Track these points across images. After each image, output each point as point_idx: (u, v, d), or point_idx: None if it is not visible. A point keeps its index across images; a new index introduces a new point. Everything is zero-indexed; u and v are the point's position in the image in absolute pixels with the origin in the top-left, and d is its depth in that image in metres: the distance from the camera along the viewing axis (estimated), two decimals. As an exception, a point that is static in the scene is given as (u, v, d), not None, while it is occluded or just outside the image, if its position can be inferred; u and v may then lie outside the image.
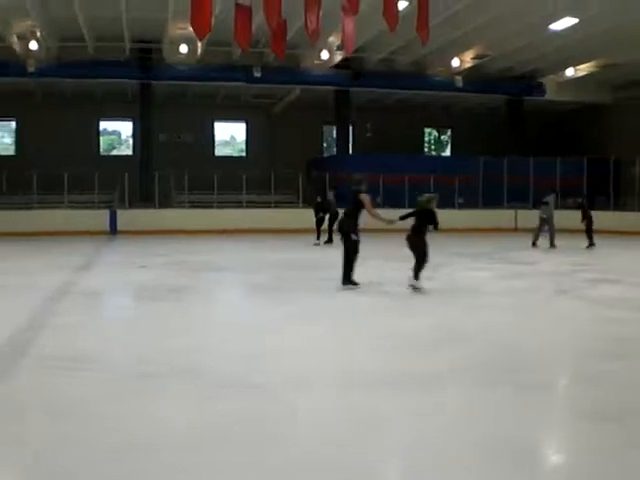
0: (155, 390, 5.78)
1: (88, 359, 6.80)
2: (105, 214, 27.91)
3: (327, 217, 21.74)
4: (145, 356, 6.98)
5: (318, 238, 21.78)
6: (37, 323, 8.95)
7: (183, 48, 27.41)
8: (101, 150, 37.45)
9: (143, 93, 31.51)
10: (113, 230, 27.40)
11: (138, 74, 29.86)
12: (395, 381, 6.02)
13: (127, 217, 27.81)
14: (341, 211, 12.73)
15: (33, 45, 26.26)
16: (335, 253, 12.90)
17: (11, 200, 29.28)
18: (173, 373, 6.27)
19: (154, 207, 29.15)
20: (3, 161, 34.40)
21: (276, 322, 8.97)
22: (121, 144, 38.66)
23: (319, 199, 22.75)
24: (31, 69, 28.00)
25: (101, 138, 37.64)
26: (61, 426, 4.88)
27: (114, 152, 38.19)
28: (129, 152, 37.21)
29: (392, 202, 29.00)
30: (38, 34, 25.95)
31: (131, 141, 37.63)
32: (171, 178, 30.17)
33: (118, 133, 38.80)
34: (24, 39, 26.23)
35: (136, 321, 9.60)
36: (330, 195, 22.47)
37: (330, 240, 20.95)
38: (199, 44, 26.30)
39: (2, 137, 37.91)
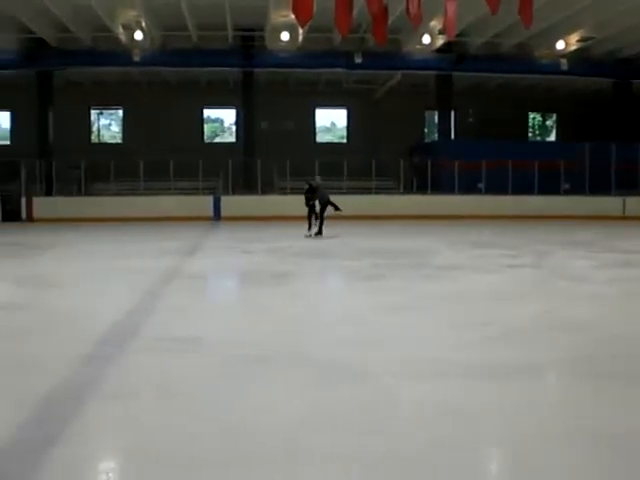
0: (260, 374, 5.81)
1: (195, 342, 6.90)
2: (209, 200, 28.37)
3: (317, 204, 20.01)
4: (250, 340, 7.04)
5: (309, 229, 20.00)
6: (147, 306, 9.19)
7: (284, 35, 27.50)
8: (205, 137, 38.05)
9: (245, 81, 31.84)
10: (217, 216, 27.88)
11: (240, 62, 30.17)
12: (497, 371, 5.90)
13: (230, 203, 28.23)
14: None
15: (138, 35, 26.86)
16: (438, 241, 12.74)
17: (119, 187, 30.14)
18: (278, 357, 6.31)
19: (257, 193, 29.48)
20: (111, 149, 35.52)
21: (378, 309, 8.90)
22: (224, 131, 39.18)
23: (309, 184, 20.47)
24: (136, 58, 28.65)
25: (205, 126, 38.23)
26: (168, 407, 4.97)
27: (217, 139, 38.75)
28: (232, 139, 37.66)
29: (495, 189, 28.66)
30: (143, 24, 26.54)
31: (234, 128, 38.11)
32: (273, 165, 30.41)
33: (221, 120, 39.35)
34: (129, 29, 26.87)
35: (241, 305, 9.73)
36: (318, 179, 20.85)
37: (320, 232, 19.63)
38: (300, 31, 26.36)
39: (110, 125, 38.95)
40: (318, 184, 20.30)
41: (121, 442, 4.43)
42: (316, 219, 19.82)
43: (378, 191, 30.90)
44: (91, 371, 5.97)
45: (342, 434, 4.42)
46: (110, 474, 4.03)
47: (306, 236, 19.64)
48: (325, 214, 19.84)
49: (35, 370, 5.91)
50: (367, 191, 30.65)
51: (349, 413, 4.83)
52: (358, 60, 29.69)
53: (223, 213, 27.93)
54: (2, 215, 28.12)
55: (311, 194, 20.01)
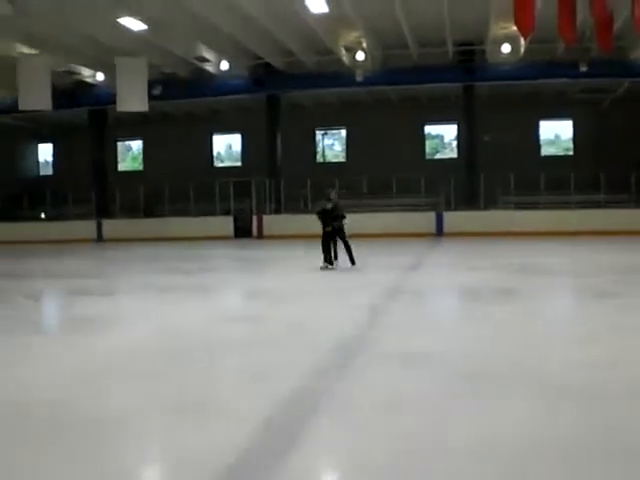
0: (486, 393, 5.61)
1: (419, 357, 6.81)
2: (431, 216, 28.33)
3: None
4: (476, 357, 6.84)
5: (328, 259, 15.79)
6: (372, 320, 9.25)
7: (505, 47, 27.02)
8: (426, 154, 38.08)
9: (466, 95, 31.57)
10: (439, 232, 27.78)
11: (461, 76, 29.98)
12: None
13: (453, 219, 28.05)
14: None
15: (360, 55, 27.42)
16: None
17: (343, 204, 30.68)
18: (505, 377, 6.07)
19: (479, 209, 29.06)
20: (335, 167, 36.40)
21: (615, 328, 8.41)
22: (445, 147, 39.04)
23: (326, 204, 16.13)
24: (359, 79, 29.21)
25: (426, 142, 38.27)
26: (397, 423, 4.89)
27: (438, 155, 38.66)
28: (453, 155, 37.44)
29: None
30: (364, 44, 27.06)
31: (454, 144, 37.88)
32: (496, 179, 29.85)
33: (441, 137, 39.25)
34: (351, 50, 27.48)
35: (465, 322, 9.54)
36: (333, 194, 16.28)
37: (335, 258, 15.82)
38: (522, 42, 25.81)
39: (333, 145, 39.96)
40: (336, 201, 16.10)
41: (345, 456, 4.40)
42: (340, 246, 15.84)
43: (607, 205, 29.49)
44: (320, 384, 6.04)
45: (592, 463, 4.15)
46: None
47: (322, 268, 15.57)
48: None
49: (265, 380, 6.06)
50: (595, 205, 29.34)
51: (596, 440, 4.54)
52: (583, 69, 28.54)
53: (446, 229, 27.79)
54: (235, 232, 29.59)
55: (328, 215, 15.84)
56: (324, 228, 15.71)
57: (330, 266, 15.47)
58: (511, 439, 4.47)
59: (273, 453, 4.33)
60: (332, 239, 15.70)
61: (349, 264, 15.27)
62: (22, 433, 4.81)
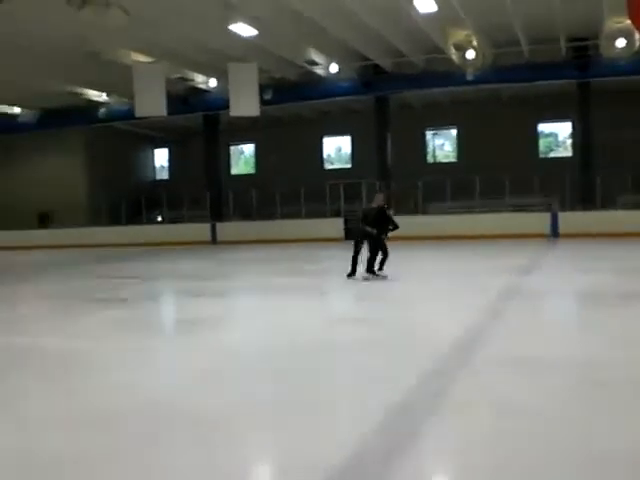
0: (607, 400, 5.43)
1: (536, 361, 6.65)
2: (546, 217, 27.66)
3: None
4: (595, 363, 6.64)
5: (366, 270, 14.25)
6: (487, 323, 9.10)
7: (620, 42, 26.16)
8: (540, 152, 37.25)
9: (580, 92, 30.69)
10: (554, 233, 27.09)
11: (574, 73, 29.13)
12: None
13: (569, 219, 27.29)
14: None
15: (470, 54, 27.07)
16: None
17: (455, 205, 30.52)
18: (626, 383, 5.87)
19: (596, 209, 28.22)
20: (446, 168, 36.10)
21: None
22: (558, 146, 38.09)
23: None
24: (469, 77, 28.82)
25: (539, 140, 37.45)
26: (510, 426, 4.76)
27: (552, 154, 37.73)
28: (567, 154, 36.49)
29: None
30: (474, 42, 26.70)
31: (569, 142, 36.93)
32: (613, 179, 28.90)
33: (555, 135, 38.30)
34: (461, 49, 27.17)
35: (583, 326, 9.27)
36: (380, 198, 14.47)
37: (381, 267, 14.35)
38: (637, 36, 24.98)
39: (443, 145, 39.60)
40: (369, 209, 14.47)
41: (457, 458, 4.35)
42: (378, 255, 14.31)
43: None
44: (435, 386, 6.00)
45: None
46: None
47: (365, 278, 14.15)
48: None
49: (379, 382, 6.06)
50: None
51: None
52: None
53: (561, 230, 27.06)
54: (345, 233, 29.63)
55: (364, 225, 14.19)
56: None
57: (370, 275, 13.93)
58: (626, 455, 4.30)
59: (385, 454, 4.34)
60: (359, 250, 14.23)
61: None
62: (136, 432, 4.95)
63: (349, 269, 14.22)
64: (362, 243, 14.12)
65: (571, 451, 4.30)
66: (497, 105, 35.01)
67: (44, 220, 39.78)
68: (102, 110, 34.67)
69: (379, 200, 14.20)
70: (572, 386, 5.84)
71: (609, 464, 4.07)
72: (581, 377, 6.12)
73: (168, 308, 13.24)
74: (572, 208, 28.85)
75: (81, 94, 33.12)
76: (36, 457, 4.48)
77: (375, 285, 13.86)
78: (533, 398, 5.47)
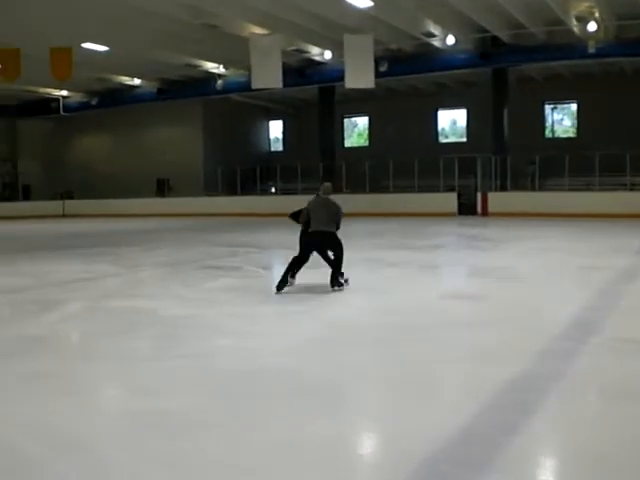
0: None
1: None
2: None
3: None
4: None
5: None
6: (604, 304, 8.86)
7: None
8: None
9: None
10: (676, 213, 26.02)
11: None
12: None
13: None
14: None
15: (592, 26, 26.16)
16: None
17: (573, 182, 29.72)
18: None
19: None
20: (565, 143, 35.10)
21: None
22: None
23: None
24: (591, 50, 27.86)
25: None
26: (624, 411, 4.64)
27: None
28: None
29: None
30: (596, 14, 25.77)
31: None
32: None
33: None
34: (583, 20, 26.28)
35: None
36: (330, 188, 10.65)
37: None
38: None
39: (562, 120, 38.50)
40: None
41: (567, 441, 4.29)
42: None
43: None
44: (547, 366, 5.89)
45: None
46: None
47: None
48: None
49: (489, 360, 6.01)
50: None
51: None
52: None
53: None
54: (458, 208, 29.35)
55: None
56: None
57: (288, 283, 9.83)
58: None
59: (492, 435, 4.31)
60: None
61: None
62: (250, 398, 5.06)
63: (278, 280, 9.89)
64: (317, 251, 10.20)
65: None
66: (619, 79, 33.72)
67: (162, 189, 40.94)
68: (219, 82, 35.24)
69: (328, 190, 10.57)
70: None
71: None
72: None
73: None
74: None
75: (199, 66, 33.82)
76: (166, 419, 4.66)
77: (489, 262, 13.72)
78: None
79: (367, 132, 43.01)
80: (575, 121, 37.39)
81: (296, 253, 9.88)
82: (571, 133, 37.55)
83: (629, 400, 4.91)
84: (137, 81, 37.22)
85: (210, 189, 38.46)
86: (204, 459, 3.92)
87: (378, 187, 33.93)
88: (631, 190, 28.17)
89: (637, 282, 10.93)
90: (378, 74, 28.24)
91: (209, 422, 4.58)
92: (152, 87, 37.21)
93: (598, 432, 4.32)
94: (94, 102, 39.43)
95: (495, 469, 3.81)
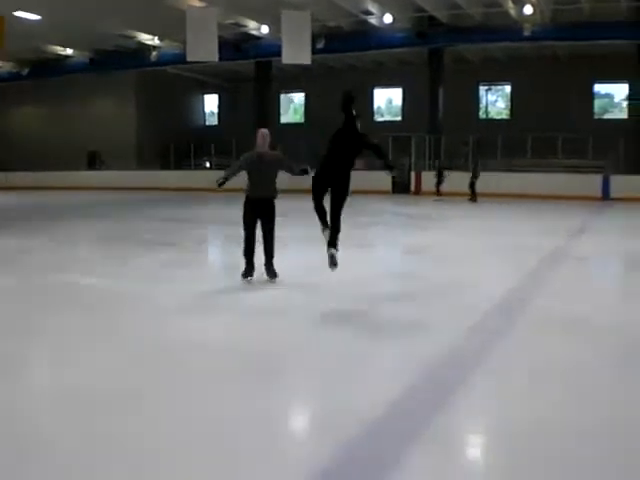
0: None
1: (580, 324, 6.61)
2: (598, 179, 27.12)
3: None
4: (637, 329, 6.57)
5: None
6: (534, 284, 9.00)
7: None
8: (594, 114, 36.42)
9: (641, 53, 29.88)
10: (606, 196, 26.56)
11: (635, 34, 28.29)
12: None
13: (621, 183, 26.68)
14: None
15: (528, 9, 26.51)
16: None
17: (505, 163, 30.09)
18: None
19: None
20: (498, 125, 35.50)
21: None
22: (614, 107, 37.20)
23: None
24: (526, 33, 28.22)
25: (595, 101, 36.58)
26: (541, 391, 4.74)
27: (607, 116, 36.85)
28: (622, 116, 35.64)
29: None
30: (533, -1, 26.16)
31: (624, 104, 36.03)
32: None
33: (611, 96, 37.35)
34: (519, 3, 26.60)
35: (633, 291, 9.12)
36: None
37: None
38: None
39: (496, 101, 38.94)
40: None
41: (489, 419, 4.39)
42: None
43: None
44: (476, 343, 6.00)
45: None
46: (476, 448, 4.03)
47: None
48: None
49: (420, 336, 6.10)
50: None
51: None
52: None
53: (613, 193, 26.51)
54: (392, 187, 29.47)
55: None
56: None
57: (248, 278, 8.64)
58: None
59: (420, 410, 4.39)
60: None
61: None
62: (185, 373, 5.01)
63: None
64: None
65: (603, 417, 4.29)
66: (553, 63, 34.25)
67: (93, 161, 40.23)
68: (154, 54, 34.65)
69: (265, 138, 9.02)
70: (612, 352, 5.81)
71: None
72: (623, 344, 6.05)
73: (215, 251, 13.40)
74: (625, 172, 28.24)
75: (133, 37, 33.18)
76: (98, 394, 4.60)
77: (423, 240, 13.84)
78: (571, 362, 5.45)
79: (303, 109, 42.87)
80: (509, 103, 37.87)
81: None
82: (505, 115, 38.03)
83: (554, 378, 5.03)
84: (70, 51, 36.31)
85: (143, 163, 37.92)
86: (132, 435, 3.90)
87: (314, 165, 33.81)
88: (563, 173, 28.59)
89: (567, 263, 11.12)
90: (315, 51, 28.13)
91: (140, 396, 4.54)
92: (85, 57, 36.36)
93: (522, 409, 4.40)
94: (25, 72, 38.41)
95: (422, 442, 3.88)
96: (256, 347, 5.76)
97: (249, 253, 8.58)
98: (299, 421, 4.52)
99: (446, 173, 26.57)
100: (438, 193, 26.24)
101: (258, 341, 5.95)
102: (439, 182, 26.45)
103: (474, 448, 4.05)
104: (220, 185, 8.50)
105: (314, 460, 3.63)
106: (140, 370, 5.16)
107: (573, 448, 3.80)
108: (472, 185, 24.77)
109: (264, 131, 8.93)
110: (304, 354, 5.67)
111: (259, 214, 8.55)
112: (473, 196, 24.66)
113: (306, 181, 8.09)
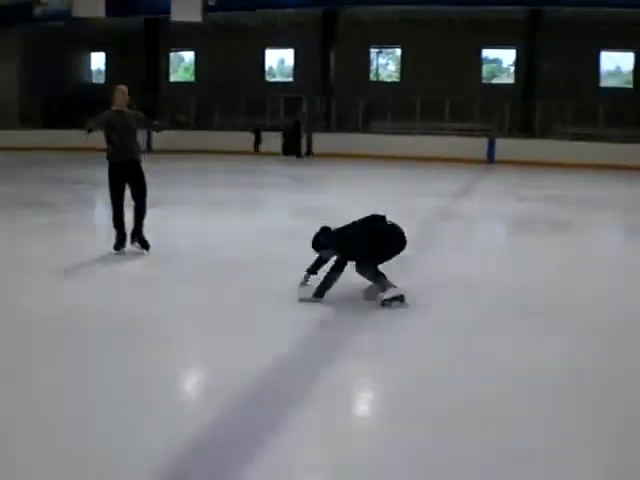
0: (532, 325, 5.52)
1: (464, 283, 6.77)
2: (483, 143, 27.70)
3: None
4: (519, 287, 6.77)
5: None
6: (417, 244, 9.10)
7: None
8: (483, 78, 37.07)
9: (531, 20, 30.50)
10: (491, 159, 27.17)
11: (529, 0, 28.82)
12: None
13: (506, 147, 27.28)
14: None
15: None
16: None
17: (395, 125, 30.37)
18: (545, 308, 5.96)
19: (534, 137, 28.35)
20: (389, 87, 35.75)
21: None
22: (502, 72, 37.95)
23: None
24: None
25: (483, 66, 37.21)
26: (430, 349, 4.81)
27: (495, 80, 37.56)
28: (510, 81, 36.42)
29: None
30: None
31: (512, 69, 36.84)
32: (553, 108, 28.98)
33: (499, 61, 38.08)
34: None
35: (513, 251, 9.37)
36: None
37: None
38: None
39: (387, 64, 39.17)
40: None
41: (377, 377, 4.40)
42: None
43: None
44: (359, 305, 6.02)
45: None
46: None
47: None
48: None
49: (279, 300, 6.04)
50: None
51: None
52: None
53: (498, 157, 27.12)
54: (283, 149, 29.25)
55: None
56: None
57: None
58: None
59: (306, 369, 4.42)
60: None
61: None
62: (72, 338, 4.84)
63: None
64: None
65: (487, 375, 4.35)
66: (444, 27, 34.46)
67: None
68: (37, 9, 33.16)
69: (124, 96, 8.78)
70: (491, 307, 5.99)
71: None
72: (500, 299, 6.25)
73: (93, 213, 13.08)
74: (510, 135, 28.94)
75: (16, -9, 31.76)
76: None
77: (310, 202, 13.84)
78: (456, 320, 5.56)
79: (193, 67, 42.13)
80: (399, 66, 38.13)
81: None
82: (395, 78, 38.30)
83: (445, 331, 5.16)
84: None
85: (25, 122, 36.54)
86: (28, 406, 3.79)
87: (204, 124, 33.31)
88: (450, 136, 29.09)
89: (447, 224, 11.33)
90: (206, 8, 27.60)
91: (31, 363, 4.40)
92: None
93: (407, 369, 4.46)
94: None
95: (308, 402, 3.93)
96: (127, 314, 5.63)
97: (119, 223, 8.02)
98: (188, 382, 4.54)
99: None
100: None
101: (128, 307, 5.82)
102: (257, 142, 28.54)
103: (357, 405, 4.10)
104: (89, 132, 8.19)
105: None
106: (6, 338, 4.96)
107: (459, 399, 3.87)
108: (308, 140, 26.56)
109: (123, 88, 8.56)
110: (190, 313, 5.62)
111: (126, 179, 8.00)
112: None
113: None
